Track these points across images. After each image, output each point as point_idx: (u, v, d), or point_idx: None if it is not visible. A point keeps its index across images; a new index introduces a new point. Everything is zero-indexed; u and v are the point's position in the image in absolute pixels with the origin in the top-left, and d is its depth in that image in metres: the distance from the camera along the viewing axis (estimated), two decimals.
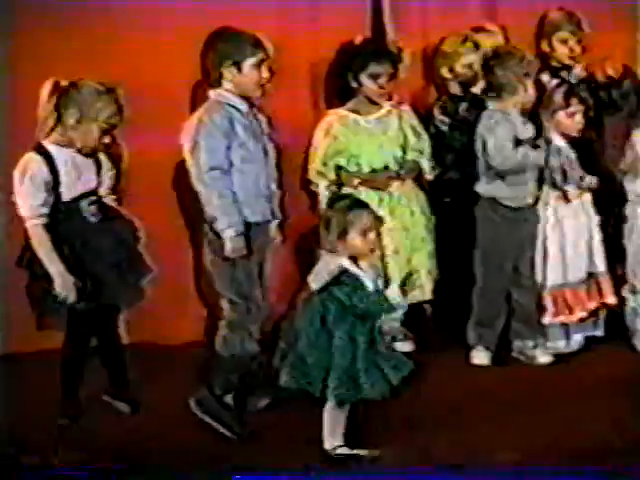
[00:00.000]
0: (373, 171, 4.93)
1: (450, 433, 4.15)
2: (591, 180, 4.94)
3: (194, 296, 5.11)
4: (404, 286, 4.93)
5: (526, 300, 4.99)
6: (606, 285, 5.05)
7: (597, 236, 5.03)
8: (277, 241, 4.54)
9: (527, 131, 4.87)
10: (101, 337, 4.46)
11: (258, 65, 4.35)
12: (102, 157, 4.34)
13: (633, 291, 5.08)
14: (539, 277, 4.98)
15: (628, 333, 5.10)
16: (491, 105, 4.88)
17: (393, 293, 3.91)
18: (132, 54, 4.78)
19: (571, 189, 4.93)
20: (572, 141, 4.96)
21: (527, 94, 4.85)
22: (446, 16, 5.23)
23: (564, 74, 5.25)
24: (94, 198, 4.27)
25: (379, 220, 3.99)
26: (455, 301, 5.08)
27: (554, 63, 5.32)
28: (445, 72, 5.20)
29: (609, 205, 5.11)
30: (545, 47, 5.33)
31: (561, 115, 4.91)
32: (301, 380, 3.86)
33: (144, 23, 4.84)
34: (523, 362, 4.98)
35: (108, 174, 4.37)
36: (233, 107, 4.32)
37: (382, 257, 4.84)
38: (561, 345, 5.04)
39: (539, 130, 4.93)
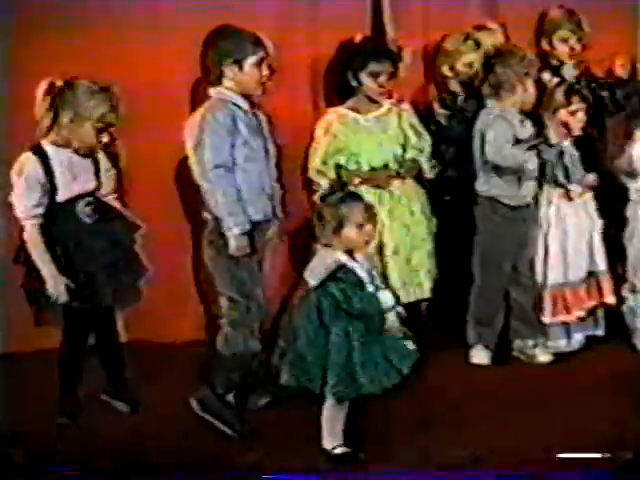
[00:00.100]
0: (373, 170, 4.92)
1: (450, 432, 4.14)
2: (593, 178, 4.94)
3: (193, 295, 5.11)
4: (404, 285, 4.93)
5: (525, 299, 5.00)
6: (606, 284, 5.05)
7: (598, 235, 5.03)
8: (276, 240, 4.53)
9: (525, 131, 4.86)
10: (99, 336, 4.46)
11: (259, 63, 4.35)
12: (101, 157, 4.33)
13: (633, 290, 5.07)
14: (540, 276, 4.98)
15: (628, 332, 5.10)
16: (490, 103, 4.88)
17: (386, 297, 3.89)
18: (132, 53, 4.79)
19: (573, 187, 4.93)
20: (574, 140, 4.96)
21: (526, 94, 4.85)
22: (446, 14, 5.23)
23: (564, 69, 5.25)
24: (90, 199, 4.27)
25: (373, 212, 3.99)
26: (455, 300, 5.07)
27: (554, 62, 5.31)
28: (446, 70, 5.20)
29: (610, 204, 5.10)
30: (545, 46, 5.33)
31: (563, 113, 4.91)
32: (301, 378, 3.87)
33: (144, 22, 4.85)
34: (523, 361, 4.98)
35: (108, 174, 4.36)
36: (235, 105, 4.32)
37: (380, 252, 4.86)
38: (562, 344, 5.04)
39: (539, 130, 4.92)
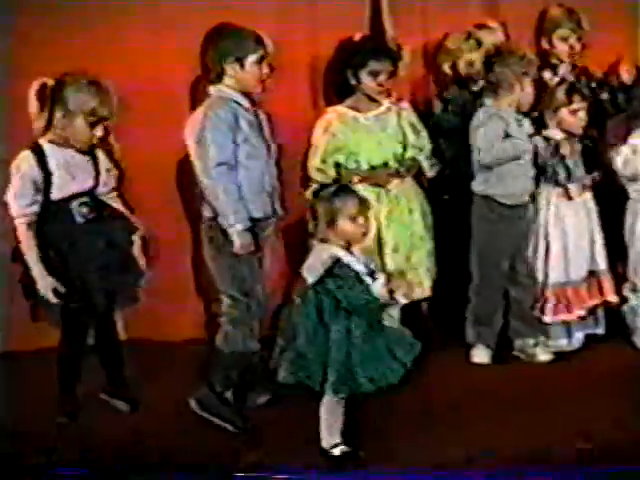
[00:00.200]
0: (372, 168, 4.91)
1: (450, 432, 4.14)
2: (594, 177, 4.93)
3: (193, 293, 5.12)
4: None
5: (524, 297, 4.99)
6: (607, 283, 5.05)
7: (599, 234, 5.02)
8: (274, 237, 4.53)
9: (522, 130, 4.85)
10: (98, 335, 4.47)
11: (259, 61, 4.35)
12: (101, 156, 4.33)
13: (634, 289, 5.07)
14: (541, 275, 4.98)
15: (628, 331, 5.09)
16: (487, 102, 4.88)
17: (377, 288, 3.88)
18: (132, 52, 4.80)
19: (573, 187, 4.92)
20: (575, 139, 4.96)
21: (524, 93, 4.84)
22: (446, 13, 5.23)
23: (564, 69, 5.25)
24: (86, 199, 4.26)
25: (366, 204, 3.99)
26: (455, 299, 5.07)
27: (554, 60, 5.31)
28: (447, 69, 5.20)
29: (611, 203, 5.09)
30: (545, 44, 5.33)
31: (564, 113, 4.91)
32: (300, 374, 3.87)
33: (144, 21, 4.85)
34: (523, 360, 4.98)
35: (108, 173, 4.36)
36: (236, 103, 4.33)
37: (380, 251, 4.86)
38: (563, 343, 5.04)
39: (540, 129, 4.93)
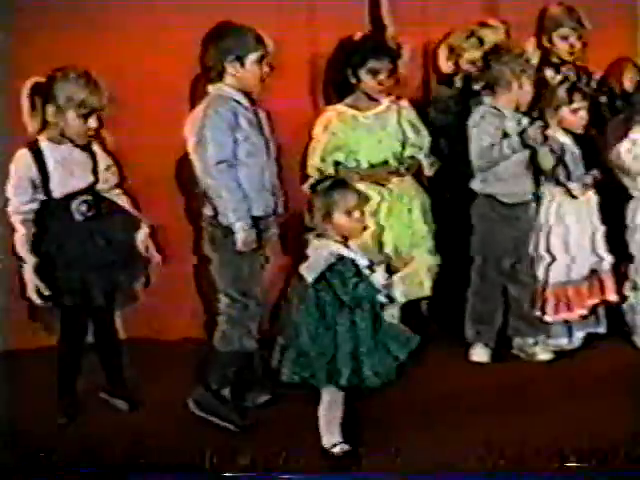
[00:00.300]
0: (372, 167, 4.92)
1: (449, 430, 4.14)
2: (595, 175, 4.93)
3: (193, 292, 5.11)
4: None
5: (524, 296, 4.99)
6: (609, 282, 5.04)
7: (600, 233, 5.01)
8: (275, 237, 4.52)
9: (520, 128, 4.84)
10: (98, 334, 4.47)
11: (260, 60, 4.34)
12: (99, 153, 4.33)
13: (634, 287, 5.07)
14: (542, 274, 4.97)
15: (628, 330, 5.09)
16: (486, 100, 4.88)
17: (378, 277, 3.88)
18: (132, 51, 4.80)
19: (574, 186, 4.92)
20: (575, 137, 4.96)
21: (522, 91, 4.83)
22: (446, 11, 5.22)
23: (565, 69, 5.24)
24: (86, 197, 4.26)
25: (364, 198, 3.99)
26: (455, 298, 5.07)
27: (554, 59, 5.30)
28: (449, 67, 5.20)
29: (612, 202, 5.09)
30: (545, 43, 5.32)
31: (565, 111, 4.91)
32: (303, 373, 3.87)
33: (143, 19, 4.85)
34: (523, 359, 4.98)
35: (108, 170, 4.36)
36: (236, 101, 4.32)
37: (380, 250, 4.86)
38: (563, 342, 5.04)
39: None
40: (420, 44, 5.22)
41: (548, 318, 4.98)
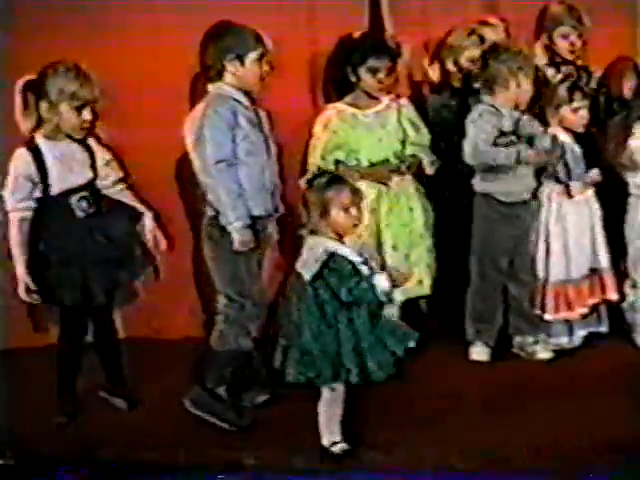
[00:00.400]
0: (372, 165, 4.91)
1: (449, 429, 4.14)
2: (596, 173, 4.92)
3: (192, 291, 5.12)
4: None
5: (524, 295, 4.98)
6: (609, 281, 5.03)
7: (600, 231, 5.01)
8: (274, 236, 4.52)
9: (518, 127, 4.83)
10: (97, 333, 4.47)
11: (259, 59, 4.34)
12: (95, 147, 4.33)
13: (634, 286, 5.06)
14: (541, 273, 4.97)
15: (628, 328, 5.08)
16: (484, 99, 4.87)
17: (381, 280, 3.87)
18: (131, 50, 4.81)
19: (574, 184, 4.91)
20: (575, 136, 4.95)
21: (521, 90, 4.82)
22: (446, 11, 5.21)
23: (564, 69, 5.23)
24: (85, 193, 4.26)
25: (358, 194, 3.98)
26: (454, 297, 5.06)
27: (555, 58, 5.29)
28: (450, 65, 5.20)
29: (612, 200, 5.08)
30: (546, 41, 5.31)
31: (565, 110, 4.90)
32: (308, 373, 3.86)
33: (143, 19, 4.85)
34: (523, 358, 4.97)
35: (109, 165, 4.37)
36: (236, 101, 4.32)
37: (379, 249, 4.85)
38: (564, 341, 5.03)
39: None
40: (420, 43, 5.20)
41: (548, 317, 4.97)
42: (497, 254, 4.91)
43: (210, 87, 4.39)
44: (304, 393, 3.98)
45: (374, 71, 4.83)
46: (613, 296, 5.04)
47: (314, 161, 4.90)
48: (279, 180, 4.48)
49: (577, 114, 4.91)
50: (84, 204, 4.25)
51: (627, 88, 5.19)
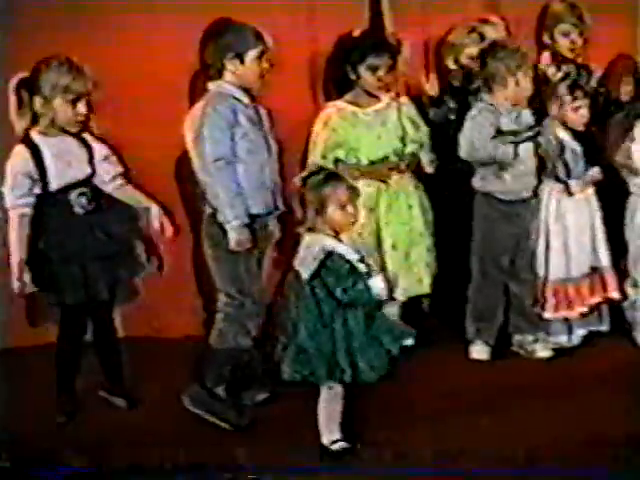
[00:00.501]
0: (372, 163, 4.91)
1: (449, 427, 4.13)
2: (596, 171, 4.91)
3: (192, 290, 5.11)
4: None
5: (524, 293, 4.98)
6: (610, 280, 5.03)
7: (601, 230, 5.00)
8: (276, 234, 4.51)
9: (518, 125, 4.83)
10: (97, 332, 4.47)
11: (259, 57, 4.34)
12: (92, 142, 4.33)
13: (634, 284, 5.05)
14: (541, 271, 4.96)
15: (629, 327, 5.08)
16: (484, 97, 4.86)
17: (376, 283, 3.87)
18: (131, 49, 4.80)
19: (574, 183, 4.90)
20: (575, 135, 4.95)
21: (520, 87, 4.81)
22: (446, 9, 5.21)
23: (565, 67, 5.23)
24: (84, 189, 4.26)
25: (355, 192, 3.98)
26: (455, 295, 5.06)
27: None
28: (450, 63, 5.20)
29: (612, 198, 5.07)
30: (547, 39, 5.32)
31: (566, 109, 4.89)
32: (304, 371, 3.87)
33: (143, 18, 4.84)
34: (523, 356, 4.97)
35: (107, 160, 4.37)
36: (235, 99, 4.32)
37: (379, 247, 4.85)
38: (563, 340, 5.02)
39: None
40: (420, 41, 5.20)
41: (548, 315, 4.97)
42: (498, 253, 4.91)
43: (210, 85, 4.40)
44: (304, 391, 3.98)
45: (374, 69, 4.82)
46: (615, 294, 5.04)
47: (314, 159, 4.88)
48: (279, 178, 4.48)
49: (577, 112, 4.90)
50: (83, 200, 4.25)
51: (624, 93, 5.19)
